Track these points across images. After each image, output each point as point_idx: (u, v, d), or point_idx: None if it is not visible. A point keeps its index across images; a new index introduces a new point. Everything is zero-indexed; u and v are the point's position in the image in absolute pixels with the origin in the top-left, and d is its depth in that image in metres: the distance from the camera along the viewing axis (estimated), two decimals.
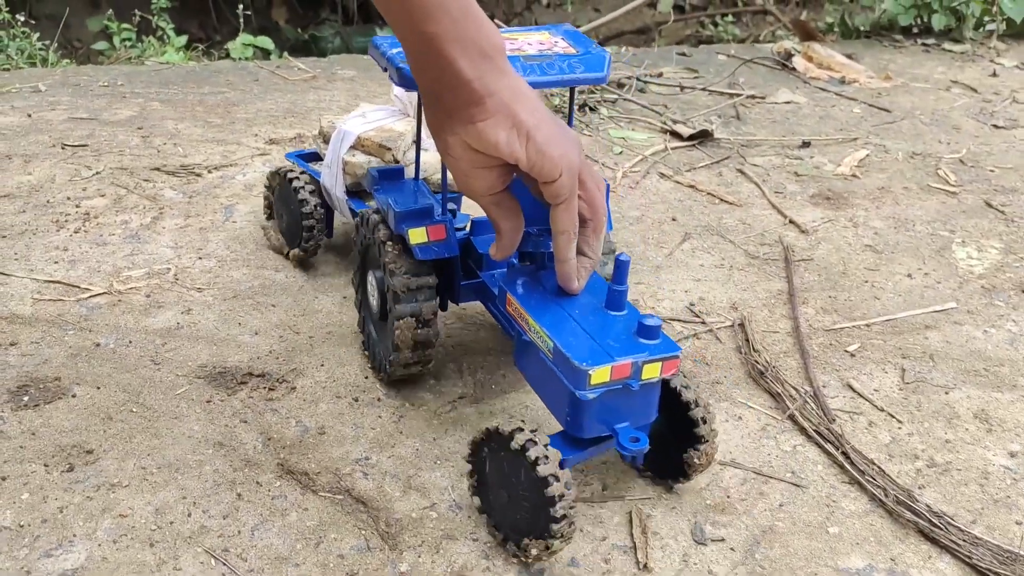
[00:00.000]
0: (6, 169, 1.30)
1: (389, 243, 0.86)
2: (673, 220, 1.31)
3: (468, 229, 0.91)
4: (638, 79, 1.88)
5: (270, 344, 0.97)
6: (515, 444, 0.69)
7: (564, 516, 0.68)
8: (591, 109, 1.71)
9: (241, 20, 2.37)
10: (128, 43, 2.33)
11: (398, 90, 1.07)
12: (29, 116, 1.49)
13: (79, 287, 1.04)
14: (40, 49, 1.87)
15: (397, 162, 1.04)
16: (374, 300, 0.91)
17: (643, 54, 2.15)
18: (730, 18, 3.79)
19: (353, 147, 1.04)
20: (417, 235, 0.83)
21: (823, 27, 3.30)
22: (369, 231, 0.89)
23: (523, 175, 0.71)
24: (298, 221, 1.08)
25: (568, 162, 0.67)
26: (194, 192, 1.27)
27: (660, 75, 1.94)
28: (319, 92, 1.73)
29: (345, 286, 1.08)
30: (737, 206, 1.37)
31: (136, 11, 2.44)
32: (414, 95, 1.03)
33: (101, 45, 2.47)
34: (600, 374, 0.68)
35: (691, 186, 1.43)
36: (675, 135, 1.62)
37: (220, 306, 1.03)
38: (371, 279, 0.91)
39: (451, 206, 0.97)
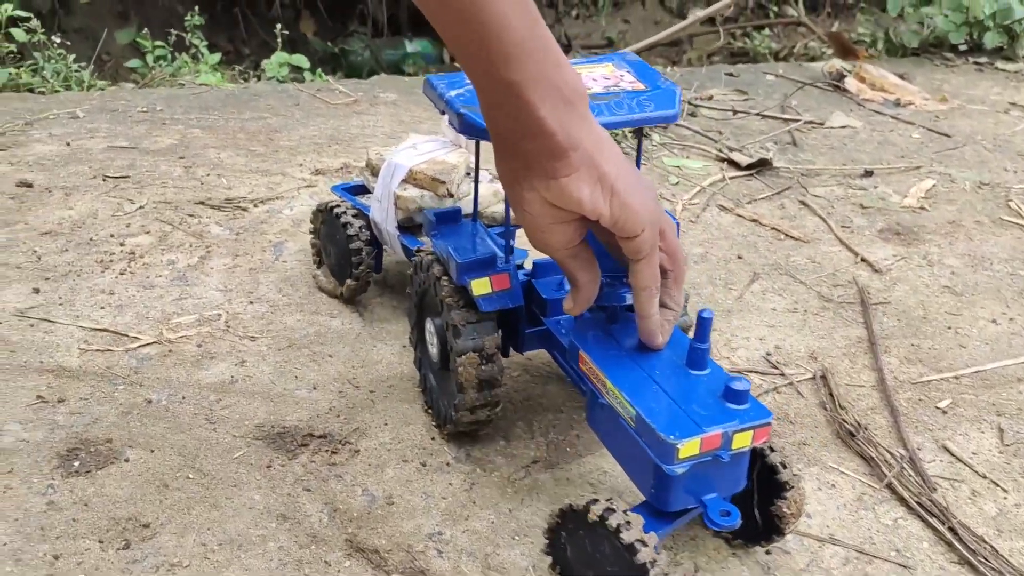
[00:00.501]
0: (47, 203, 1.26)
1: (446, 279, 0.81)
2: (739, 258, 1.25)
3: (530, 271, 0.87)
4: (689, 103, 1.82)
5: (329, 400, 0.92)
6: (593, 516, 0.65)
7: None
8: (644, 136, 1.65)
9: (279, 40, 2.32)
10: (163, 62, 2.29)
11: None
12: (68, 145, 1.45)
13: (127, 336, 0.99)
14: (75, 71, 1.83)
15: (451, 195, 0.99)
16: (434, 349, 0.86)
17: (690, 74, 2.09)
18: (767, 32, 3.73)
19: (404, 180, 1.00)
20: (480, 286, 0.79)
21: (863, 40, 3.23)
22: (425, 273, 0.85)
23: (599, 229, 0.67)
24: (346, 252, 1.03)
25: (650, 215, 0.64)
26: (241, 228, 1.22)
27: (711, 98, 1.88)
28: (362, 117, 1.68)
29: (403, 333, 1.03)
30: (804, 242, 1.31)
31: (171, 29, 2.40)
32: None
33: (134, 63, 2.44)
34: (689, 447, 0.64)
35: (754, 220, 1.37)
36: (732, 164, 1.56)
37: (275, 357, 0.98)
38: (430, 327, 0.86)
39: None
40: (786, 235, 1.33)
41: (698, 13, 2.89)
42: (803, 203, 1.43)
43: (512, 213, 0.71)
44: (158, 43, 2.36)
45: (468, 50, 0.59)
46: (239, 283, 1.10)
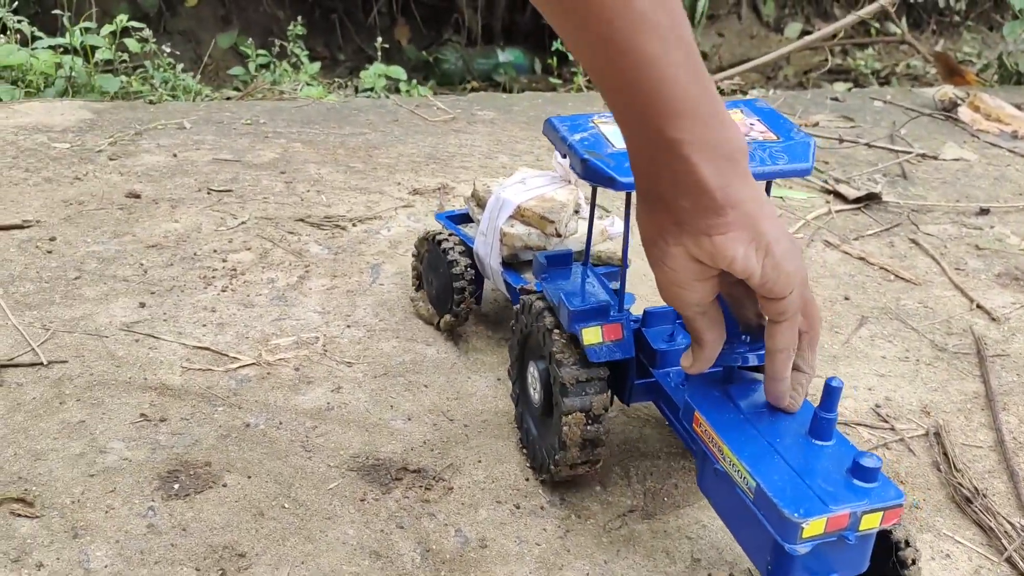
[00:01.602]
0: (154, 215, 1.29)
1: (556, 331, 0.79)
2: (846, 299, 1.20)
3: (640, 318, 0.83)
4: None
5: (424, 432, 0.91)
6: None
7: None
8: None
9: (378, 52, 2.34)
10: (264, 71, 2.34)
11: (561, 158, 0.99)
12: (175, 156, 1.48)
13: (228, 355, 1.00)
14: (180, 79, 1.88)
15: (559, 235, 0.97)
16: (535, 394, 0.84)
17: (793, 98, 2.04)
18: (871, 50, 3.62)
19: (512, 216, 0.98)
20: (591, 335, 0.77)
21: (970, 60, 3.11)
22: (532, 319, 0.83)
23: (734, 289, 0.66)
24: (448, 286, 1.02)
25: (800, 278, 0.62)
26: (339, 248, 1.23)
27: (816, 124, 1.83)
28: (460, 136, 1.68)
29: (499, 365, 1.01)
30: (915, 284, 1.25)
31: (275, 39, 2.45)
32: None
33: (237, 70, 2.49)
34: (814, 527, 0.60)
35: (861, 258, 1.31)
36: (839, 196, 1.51)
37: (371, 384, 0.97)
38: (532, 371, 0.84)
39: (614, 284, 0.88)
40: (896, 276, 1.27)
41: (849, 17, 2.78)
42: (914, 242, 1.37)
43: (649, 265, 0.68)
44: (260, 51, 2.41)
45: (629, 105, 0.58)
46: (337, 305, 1.10)
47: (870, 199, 1.49)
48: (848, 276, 1.26)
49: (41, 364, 0.96)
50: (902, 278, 1.27)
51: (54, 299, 1.08)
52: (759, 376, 0.71)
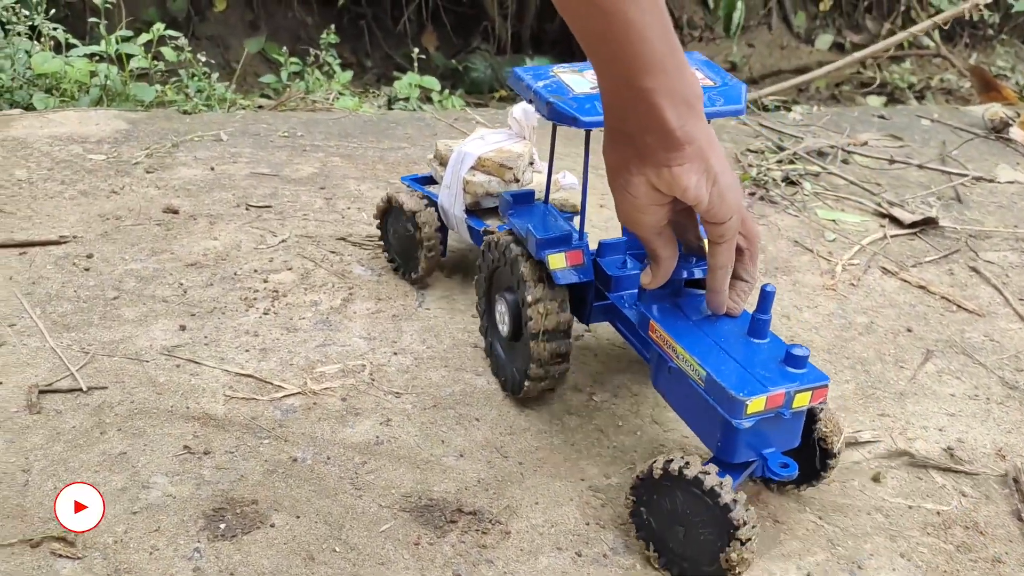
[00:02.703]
0: (192, 232, 1.25)
1: (524, 260, 0.88)
2: (908, 331, 1.16)
3: (596, 251, 0.91)
4: (842, 149, 1.72)
5: (477, 470, 0.87)
6: (673, 471, 0.73)
7: (749, 539, 0.71)
8: (793, 183, 1.57)
9: (414, 63, 2.31)
10: (297, 79, 2.31)
11: (516, 113, 1.10)
12: (212, 169, 1.45)
13: (272, 383, 0.96)
14: (216, 90, 1.85)
15: (516, 180, 1.08)
16: (504, 325, 0.93)
17: (839, 115, 1.99)
18: (907, 64, 3.56)
19: (473, 167, 1.08)
20: (557, 260, 0.86)
21: (1004, 74, 3.05)
22: (500, 253, 0.92)
23: (680, 215, 0.77)
24: (415, 238, 1.11)
25: (738, 206, 0.73)
26: (383, 269, 1.19)
27: (865, 143, 1.78)
28: None
29: (553, 398, 0.97)
30: (979, 316, 1.20)
31: (308, 48, 2.42)
32: (532, 119, 1.09)
33: (268, 78, 2.47)
34: (756, 404, 0.71)
35: (921, 287, 1.26)
36: (893, 220, 1.46)
37: (420, 417, 0.93)
38: (501, 304, 0.93)
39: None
40: (958, 306, 1.22)
41: (920, 25, 2.72)
42: (974, 269, 1.32)
43: (612, 197, 0.76)
44: (292, 59, 2.38)
45: (607, 58, 0.68)
46: (382, 331, 1.07)
47: (926, 224, 1.44)
48: (909, 306, 1.22)
49: (80, 390, 0.93)
50: (965, 309, 1.22)
51: (92, 320, 1.05)
52: (702, 291, 0.82)
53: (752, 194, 1.51)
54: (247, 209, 1.33)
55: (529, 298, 0.87)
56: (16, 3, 1.71)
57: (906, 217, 1.45)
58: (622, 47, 0.65)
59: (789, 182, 1.57)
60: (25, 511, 0.78)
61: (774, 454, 0.75)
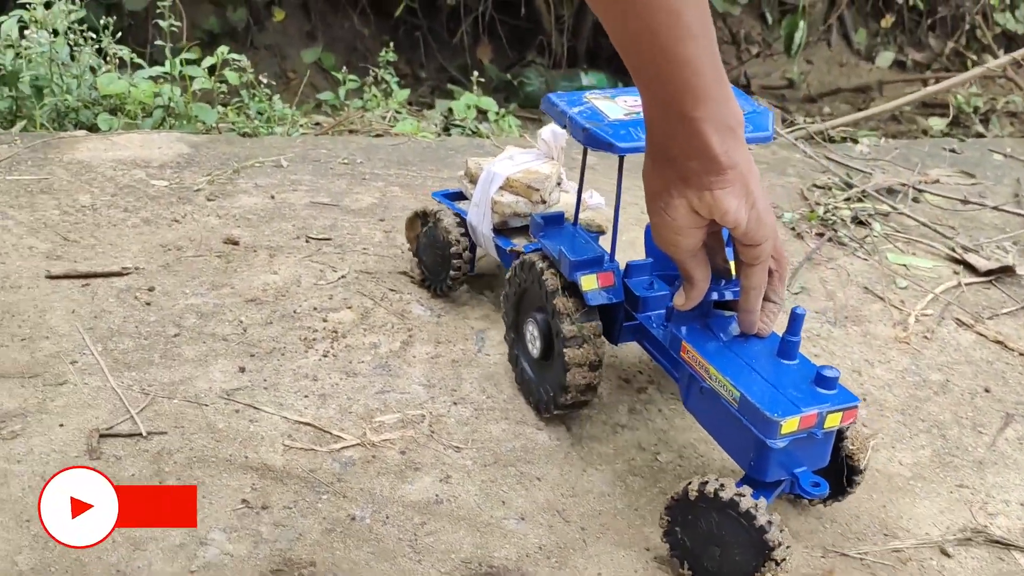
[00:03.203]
0: (252, 264, 1.25)
1: (557, 288, 0.90)
2: (986, 392, 1.11)
3: (624, 272, 0.93)
4: (913, 187, 1.66)
5: (539, 536, 0.85)
6: (708, 493, 0.74)
7: (784, 559, 0.73)
8: (862, 223, 1.52)
9: (475, 86, 2.30)
10: (355, 98, 2.31)
11: (544, 135, 1.12)
12: (272, 198, 1.45)
13: (331, 433, 0.95)
14: (275, 110, 1.85)
15: (543, 202, 1.09)
16: (534, 347, 0.95)
17: (907, 148, 1.93)
18: (975, 88, 3.46)
19: (502, 187, 1.09)
20: (589, 282, 0.88)
21: None
22: (527, 274, 0.95)
23: (710, 239, 0.78)
24: (445, 255, 1.14)
25: (773, 229, 0.75)
26: (442, 310, 1.17)
27: (936, 181, 1.72)
28: None
29: (616, 456, 0.95)
30: None
31: (367, 66, 2.42)
32: (561, 140, 1.11)
33: (327, 95, 2.47)
34: (790, 424, 0.73)
35: (998, 342, 1.21)
36: (968, 267, 1.40)
37: (480, 474, 0.91)
38: (530, 324, 0.96)
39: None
40: None
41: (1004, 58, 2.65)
42: None
43: (650, 219, 0.78)
44: (351, 77, 2.38)
45: (657, 86, 0.69)
46: (442, 378, 1.05)
47: (1003, 272, 1.38)
48: (986, 363, 1.17)
49: (140, 435, 0.93)
50: None
51: (153, 359, 1.04)
52: (730, 313, 0.85)
53: (820, 235, 1.46)
54: (307, 241, 1.32)
55: (559, 306, 0.89)
56: (82, 25, 1.73)
57: (981, 264, 1.39)
58: (674, 82, 0.67)
59: (858, 222, 1.53)
60: (84, 566, 0.78)
61: (805, 473, 0.77)
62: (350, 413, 0.98)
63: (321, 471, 0.90)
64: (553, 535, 0.85)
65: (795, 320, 0.78)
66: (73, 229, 1.30)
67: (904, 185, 1.67)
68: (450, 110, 2.40)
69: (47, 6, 1.70)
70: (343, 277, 1.23)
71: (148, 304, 1.14)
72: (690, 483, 0.76)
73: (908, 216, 1.57)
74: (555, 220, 0.95)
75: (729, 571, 0.75)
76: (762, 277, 0.77)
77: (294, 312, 1.15)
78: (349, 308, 1.17)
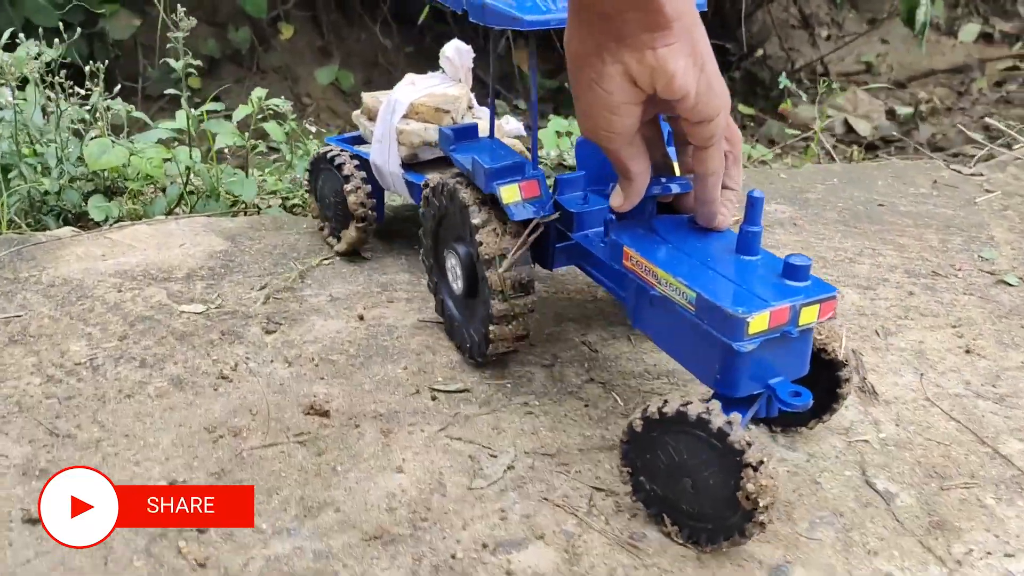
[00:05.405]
0: (357, 455, 0.76)
1: (474, 207, 0.78)
2: None
3: (553, 188, 0.82)
4: None
5: None
6: (671, 413, 0.63)
7: (762, 462, 0.61)
8: None
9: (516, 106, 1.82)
10: None
11: (448, 52, 0.99)
12: (361, 318, 0.96)
13: None
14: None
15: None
16: (457, 281, 0.84)
17: None
18: None
19: (406, 116, 0.97)
20: (510, 193, 0.77)
21: None
22: (446, 198, 0.82)
23: (646, 128, 0.69)
24: (345, 203, 1.01)
25: (726, 99, 0.66)
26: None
27: None
28: None
29: None
30: None
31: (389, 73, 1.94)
32: (467, 59, 0.99)
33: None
34: (758, 321, 0.62)
35: None
36: None
37: None
38: (452, 259, 0.84)
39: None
40: None
41: None
42: None
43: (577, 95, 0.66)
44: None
45: None
46: None
47: None
48: None
49: None
50: None
51: None
52: (676, 215, 0.74)
53: None
54: (433, 399, 0.84)
55: (476, 221, 0.78)
56: (65, 73, 1.23)
57: None
58: None
59: None
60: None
61: (782, 382, 0.65)
62: None
63: None
64: None
65: (753, 206, 0.68)
66: (64, 412, 0.81)
67: None
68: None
69: (8, 48, 1.21)
70: (510, 468, 0.75)
71: (202, 567, 0.66)
72: (635, 414, 0.65)
73: None
74: (467, 132, 0.85)
75: (711, 504, 0.64)
76: (719, 159, 0.68)
77: (452, 557, 0.67)
78: (541, 539, 0.68)
